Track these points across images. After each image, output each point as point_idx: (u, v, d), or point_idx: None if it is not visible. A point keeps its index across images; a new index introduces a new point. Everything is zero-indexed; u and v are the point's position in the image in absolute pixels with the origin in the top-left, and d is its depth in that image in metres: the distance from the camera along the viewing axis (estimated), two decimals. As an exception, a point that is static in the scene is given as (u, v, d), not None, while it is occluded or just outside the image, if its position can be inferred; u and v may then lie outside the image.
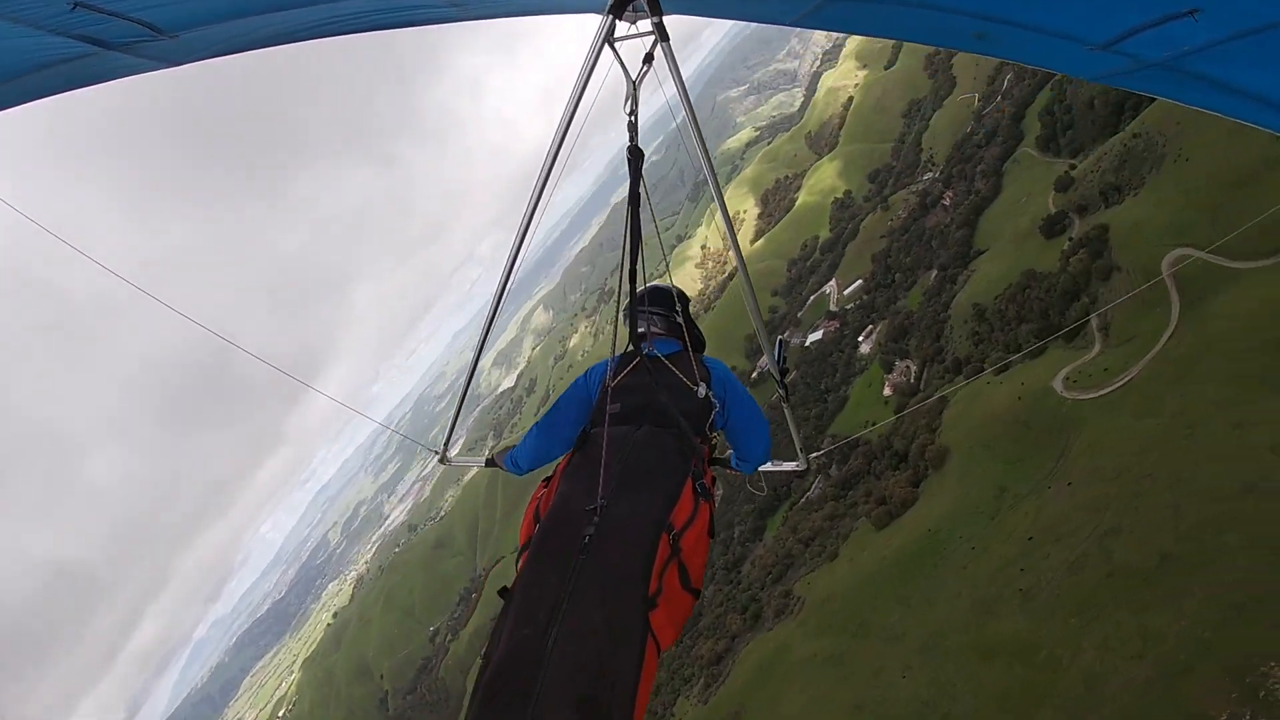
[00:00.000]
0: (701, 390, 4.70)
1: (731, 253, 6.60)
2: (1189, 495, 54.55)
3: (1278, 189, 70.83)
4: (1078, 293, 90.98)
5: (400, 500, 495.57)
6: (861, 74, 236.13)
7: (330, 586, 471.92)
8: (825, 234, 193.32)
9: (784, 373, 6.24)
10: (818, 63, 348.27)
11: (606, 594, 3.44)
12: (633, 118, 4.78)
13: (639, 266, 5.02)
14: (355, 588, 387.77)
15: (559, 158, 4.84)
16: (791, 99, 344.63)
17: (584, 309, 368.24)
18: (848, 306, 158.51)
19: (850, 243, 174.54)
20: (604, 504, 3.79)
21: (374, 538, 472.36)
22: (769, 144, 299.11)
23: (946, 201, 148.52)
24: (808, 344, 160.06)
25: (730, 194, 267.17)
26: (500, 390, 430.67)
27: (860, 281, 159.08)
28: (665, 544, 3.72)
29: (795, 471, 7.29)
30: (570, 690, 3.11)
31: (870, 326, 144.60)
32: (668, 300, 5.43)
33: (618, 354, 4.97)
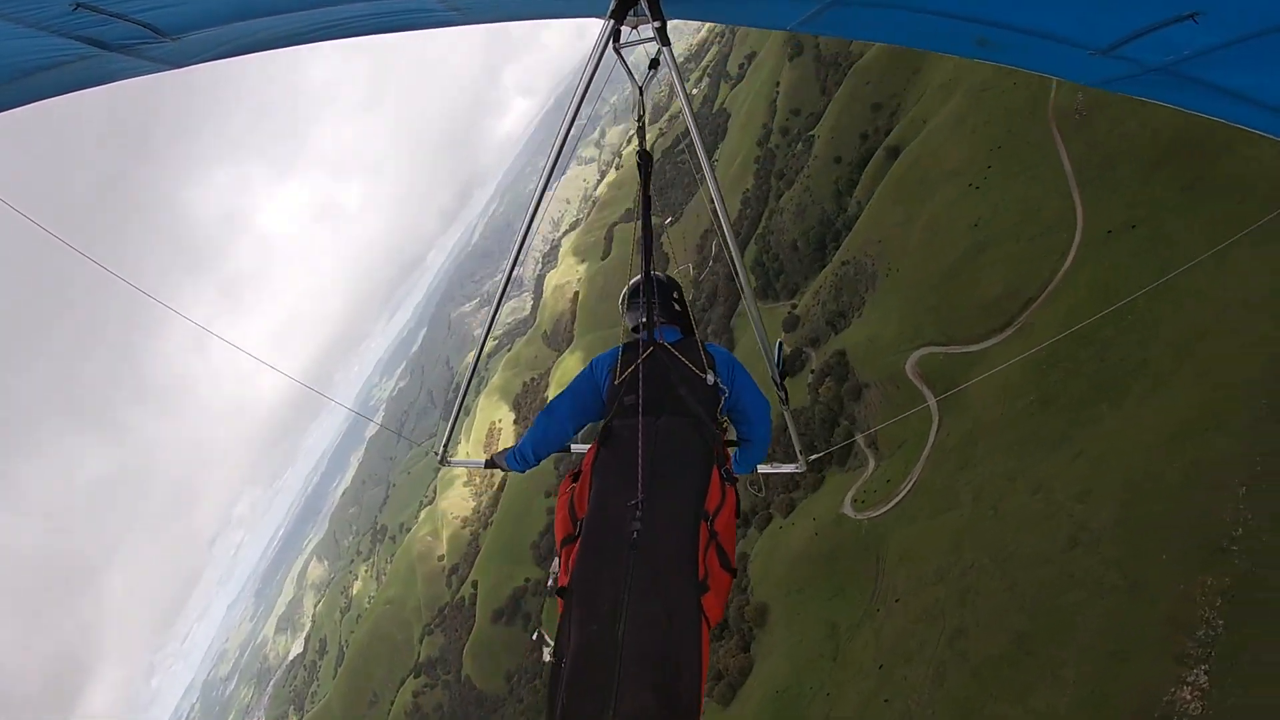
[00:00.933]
0: (710, 377, 4.79)
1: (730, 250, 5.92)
2: (1018, 570, 55.69)
3: (985, 269, 78.62)
4: (835, 418, 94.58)
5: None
6: (581, 268, 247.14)
7: None
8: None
9: (783, 375, 6.43)
10: (539, 265, 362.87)
11: (662, 584, 3.66)
12: (640, 122, 5.01)
13: (650, 266, 5.27)
14: None
15: (557, 165, 5.05)
16: (522, 304, 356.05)
17: (359, 552, 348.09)
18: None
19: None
20: (643, 499, 3.90)
21: None
22: (509, 350, 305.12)
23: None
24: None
25: (482, 405, 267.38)
26: (290, 658, 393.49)
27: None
28: (704, 531, 3.99)
29: (795, 473, 7.57)
30: (646, 675, 3.33)
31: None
32: (665, 288, 5.47)
33: (621, 344, 5.15)
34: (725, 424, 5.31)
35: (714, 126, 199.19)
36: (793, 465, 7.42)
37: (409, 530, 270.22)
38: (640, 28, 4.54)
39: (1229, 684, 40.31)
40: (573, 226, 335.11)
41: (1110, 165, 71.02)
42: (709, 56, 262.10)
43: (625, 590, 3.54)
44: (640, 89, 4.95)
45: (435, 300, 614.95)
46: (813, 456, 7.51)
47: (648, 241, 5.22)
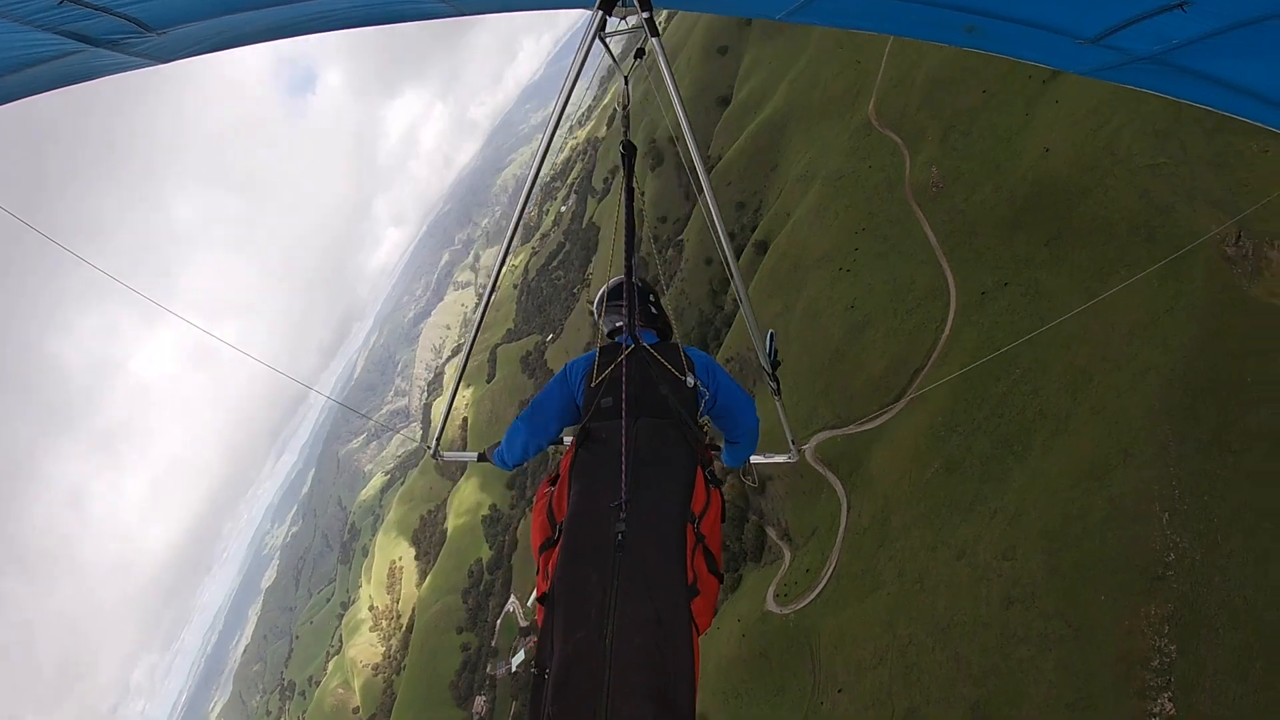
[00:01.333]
0: (690, 380, 4.72)
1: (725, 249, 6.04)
2: (959, 638, 54.95)
3: (868, 347, 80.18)
4: (743, 515, 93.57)
5: None
6: (468, 392, 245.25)
7: None
8: (486, 553, 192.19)
9: (774, 365, 6.59)
10: (425, 395, 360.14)
11: (652, 587, 3.51)
12: (625, 112, 5.14)
13: (633, 261, 5.12)
14: None
15: (545, 161, 5.24)
16: (412, 433, 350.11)
17: (269, 712, 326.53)
18: (535, 617, 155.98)
19: (513, 553, 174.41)
20: (627, 499, 3.79)
21: None
22: (403, 484, 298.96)
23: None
24: (514, 670, 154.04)
25: (380, 543, 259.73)
26: None
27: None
28: (691, 533, 3.90)
29: (787, 463, 7.58)
30: (640, 683, 3.18)
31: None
32: (643, 291, 5.39)
33: (597, 348, 5.01)
34: (705, 425, 5.20)
35: (585, 241, 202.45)
36: (784, 455, 7.56)
37: (319, 683, 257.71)
38: (627, 18, 4.58)
39: (1195, 704, 40.69)
40: (454, 352, 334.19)
41: (972, 232, 74.08)
42: (574, 173, 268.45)
43: (612, 594, 3.41)
44: (626, 79, 5.02)
45: (322, 439, 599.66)
46: (804, 446, 7.36)
47: (630, 236, 5.11)
